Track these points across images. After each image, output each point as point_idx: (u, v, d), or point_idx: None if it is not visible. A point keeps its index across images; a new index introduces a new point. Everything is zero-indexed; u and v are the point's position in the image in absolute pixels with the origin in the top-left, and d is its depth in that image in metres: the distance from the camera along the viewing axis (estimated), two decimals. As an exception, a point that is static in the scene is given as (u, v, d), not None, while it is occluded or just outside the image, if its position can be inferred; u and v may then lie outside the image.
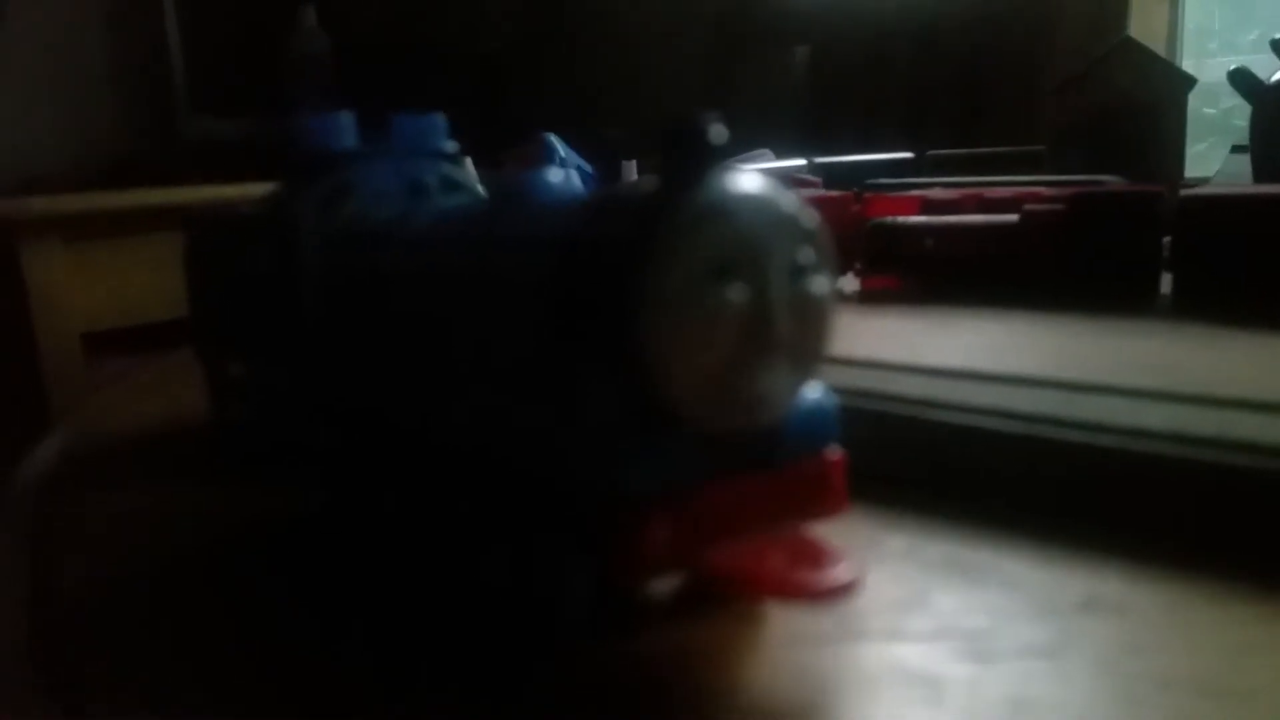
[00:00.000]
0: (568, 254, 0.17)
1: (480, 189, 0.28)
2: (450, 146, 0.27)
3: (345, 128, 0.25)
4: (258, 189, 0.28)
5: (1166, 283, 0.44)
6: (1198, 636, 0.18)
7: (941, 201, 0.55)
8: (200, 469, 0.31)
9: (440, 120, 0.26)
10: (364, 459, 0.23)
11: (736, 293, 0.16)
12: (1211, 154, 1.30)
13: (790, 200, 0.16)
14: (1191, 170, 1.06)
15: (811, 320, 0.17)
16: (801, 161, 0.90)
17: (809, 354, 0.17)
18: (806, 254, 0.16)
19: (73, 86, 1.51)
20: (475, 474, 0.19)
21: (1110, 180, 0.63)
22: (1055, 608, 0.19)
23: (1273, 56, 0.83)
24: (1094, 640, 0.18)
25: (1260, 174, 0.81)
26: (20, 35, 1.41)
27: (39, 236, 1.15)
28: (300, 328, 0.24)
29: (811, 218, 0.17)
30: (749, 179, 0.16)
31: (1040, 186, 0.57)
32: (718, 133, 0.16)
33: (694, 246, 0.15)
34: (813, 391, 0.18)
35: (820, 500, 0.18)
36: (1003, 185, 0.59)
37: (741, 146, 0.98)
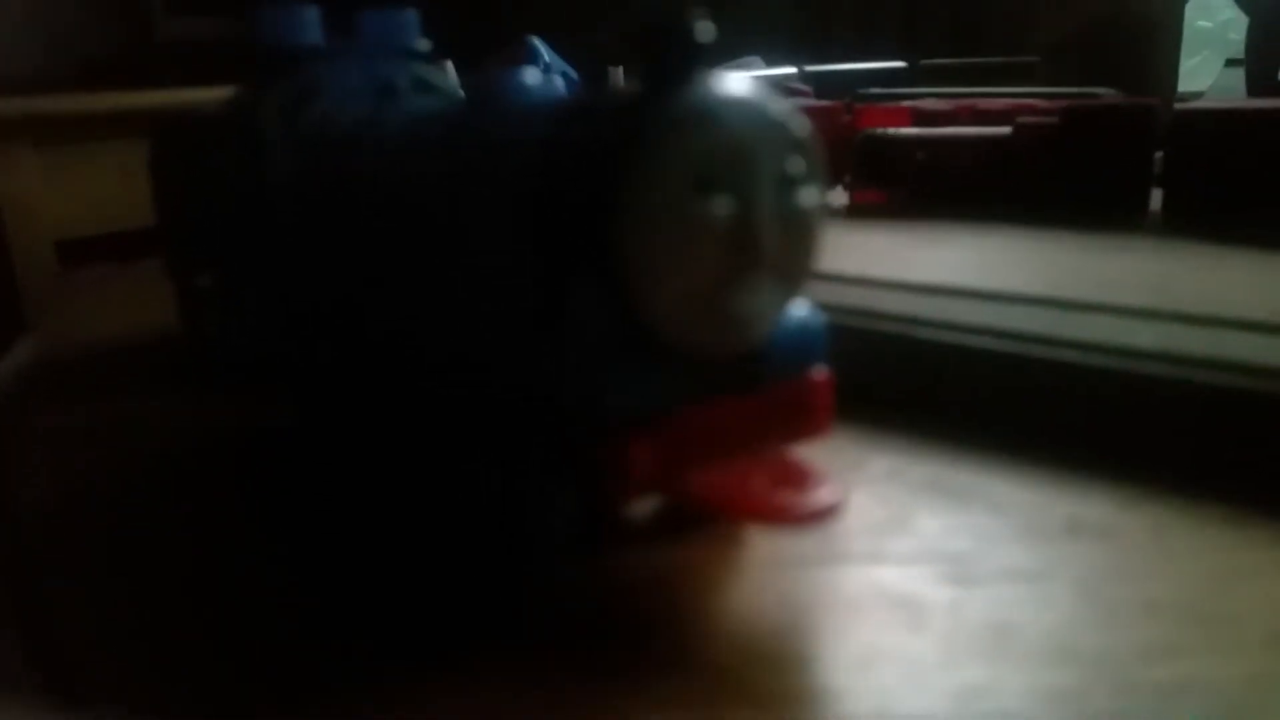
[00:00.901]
0: (544, 159, 0.16)
1: (458, 91, 0.26)
2: (422, 45, 0.25)
3: (309, 23, 0.24)
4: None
5: (1157, 199, 0.43)
6: (1184, 561, 0.18)
7: (934, 113, 0.53)
8: (171, 381, 0.31)
9: (412, 17, 0.25)
10: (337, 372, 0.23)
11: (721, 205, 0.15)
12: (1205, 68, 1.28)
13: (780, 106, 0.15)
14: (1185, 84, 1.05)
15: (800, 235, 0.16)
16: (792, 69, 0.87)
17: (796, 270, 0.16)
18: (796, 164, 0.15)
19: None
20: (453, 389, 0.18)
21: (1104, 92, 0.62)
22: (1039, 531, 0.19)
23: (1275, -34, 0.81)
24: (1078, 564, 0.17)
25: (1254, 88, 0.80)
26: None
27: (10, 139, 1.12)
28: (268, 235, 0.23)
29: (802, 125, 0.16)
30: (737, 82, 0.15)
31: (1034, 98, 0.56)
32: (704, 30, 0.15)
33: (676, 154, 0.14)
34: (799, 309, 0.17)
35: (805, 421, 0.17)
36: (996, 97, 0.58)
37: (730, 53, 0.96)
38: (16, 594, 0.19)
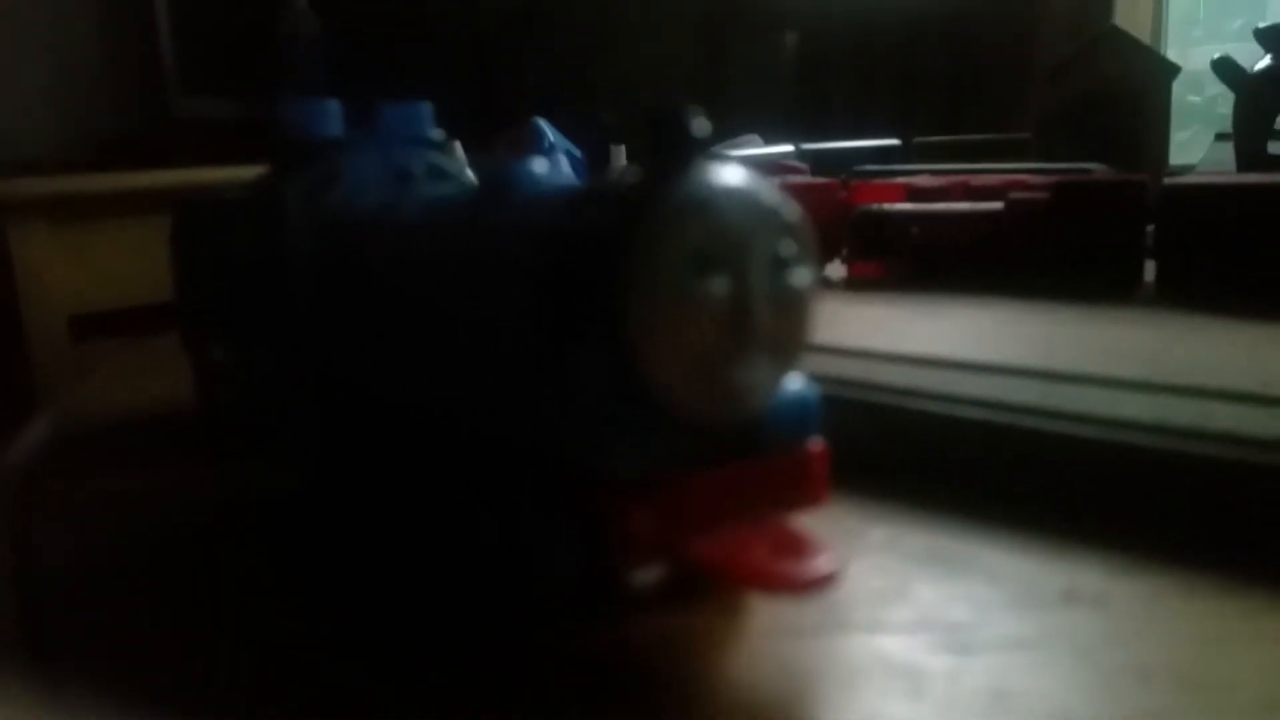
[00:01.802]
0: (554, 243, 0.17)
1: (468, 174, 0.28)
2: (437, 134, 0.26)
3: (332, 114, 0.25)
4: (248, 171, 0.27)
5: (1150, 271, 0.44)
6: (1177, 628, 0.18)
7: (927, 189, 0.55)
8: (186, 451, 0.31)
9: (427, 108, 0.26)
10: (351, 441, 0.23)
11: (718, 285, 0.16)
12: (1196, 141, 1.31)
13: (771, 193, 0.16)
14: (1176, 158, 1.07)
15: (793, 312, 0.17)
16: (789, 148, 0.89)
17: (790, 346, 0.17)
18: (788, 246, 0.16)
19: (62, 67, 1.50)
20: (464, 454, 0.19)
21: (1095, 168, 0.64)
22: (1036, 599, 0.19)
23: (1256, 45, 0.83)
24: (1074, 632, 0.18)
25: (1243, 162, 0.82)
26: (9, 15, 1.40)
27: (26, 218, 1.15)
28: (287, 312, 0.24)
29: (792, 210, 0.17)
30: (731, 171, 0.16)
31: (1025, 174, 0.57)
32: (700, 125, 0.16)
33: (676, 238, 0.15)
34: (795, 383, 0.18)
35: (802, 490, 0.18)
36: (988, 173, 0.59)
37: (729, 132, 0.98)
38: (34, 648, 0.20)
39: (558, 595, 0.17)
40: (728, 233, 0.16)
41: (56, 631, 0.21)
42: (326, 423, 0.24)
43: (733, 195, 0.16)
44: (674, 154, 0.16)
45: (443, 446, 0.20)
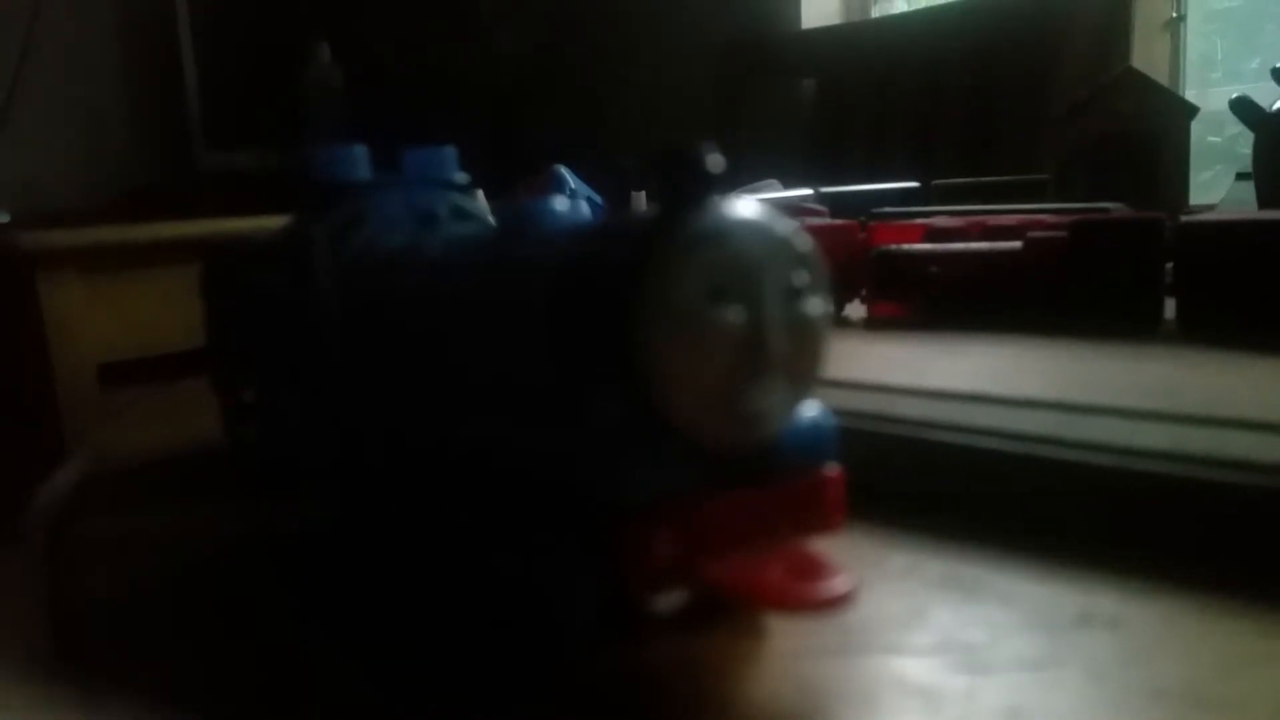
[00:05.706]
0: (571, 275, 0.18)
1: (490, 218, 0.28)
2: (460, 177, 0.27)
3: (358, 159, 0.26)
4: (273, 221, 0.28)
5: (1170, 308, 0.44)
6: (1190, 649, 0.18)
7: (946, 229, 0.55)
8: (214, 491, 0.32)
9: (450, 152, 0.27)
10: (376, 477, 0.24)
11: (733, 313, 0.16)
12: (1217, 181, 1.31)
13: (785, 225, 0.17)
14: (1198, 197, 1.07)
15: (806, 340, 0.17)
16: (808, 191, 0.90)
17: (804, 373, 0.17)
18: (801, 276, 0.17)
19: (90, 121, 1.54)
20: (485, 487, 0.19)
21: (1114, 207, 0.64)
22: (1050, 622, 0.19)
23: (1274, 85, 0.84)
24: (1088, 653, 0.18)
25: (1264, 200, 0.82)
26: (39, 71, 1.44)
27: (56, 268, 1.17)
28: (314, 352, 0.25)
29: (805, 241, 0.17)
30: (745, 205, 0.17)
31: (1043, 214, 0.58)
32: (715, 161, 0.16)
33: (690, 268, 0.16)
34: (811, 410, 0.19)
35: (817, 515, 0.18)
36: (1006, 213, 0.60)
37: (750, 176, 0.99)
38: (79, 680, 0.20)
39: (578, 623, 0.18)
40: (742, 262, 0.16)
41: (93, 662, 0.21)
42: (352, 461, 0.24)
43: (747, 226, 0.17)
44: (689, 188, 0.16)
45: (467, 479, 0.20)
